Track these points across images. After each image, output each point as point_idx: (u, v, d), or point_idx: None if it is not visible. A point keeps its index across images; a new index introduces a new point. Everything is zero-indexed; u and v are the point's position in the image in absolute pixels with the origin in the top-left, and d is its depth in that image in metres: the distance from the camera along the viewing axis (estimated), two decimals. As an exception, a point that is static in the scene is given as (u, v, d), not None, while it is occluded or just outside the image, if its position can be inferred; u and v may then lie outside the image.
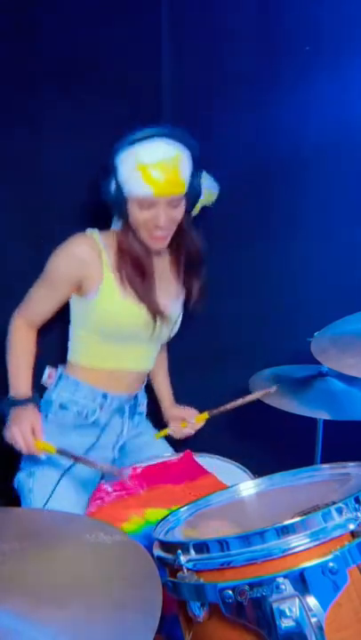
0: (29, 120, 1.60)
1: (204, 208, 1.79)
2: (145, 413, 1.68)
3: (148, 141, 1.28)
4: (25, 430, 1.32)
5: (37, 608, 0.66)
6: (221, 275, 1.84)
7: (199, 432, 1.70)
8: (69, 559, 0.78)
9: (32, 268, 1.61)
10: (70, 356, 1.51)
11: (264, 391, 1.53)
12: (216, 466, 1.56)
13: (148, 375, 1.67)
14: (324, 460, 1.66)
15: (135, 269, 1.38)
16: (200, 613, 0.86)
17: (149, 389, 1.72)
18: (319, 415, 1.53)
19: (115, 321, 1.42)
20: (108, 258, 1.39)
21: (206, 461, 1.58)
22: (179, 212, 1.36)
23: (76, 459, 1.36)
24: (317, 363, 1.38)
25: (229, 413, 1.60)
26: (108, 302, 1.39)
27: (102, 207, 1.51)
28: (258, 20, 1.72)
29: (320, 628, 0.79)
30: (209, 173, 1.76)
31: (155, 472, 1.46)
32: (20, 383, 1.42)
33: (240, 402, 1.53)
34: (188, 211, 1.41)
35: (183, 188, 1.33)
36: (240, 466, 1.56)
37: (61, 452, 1.36)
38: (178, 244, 1.45)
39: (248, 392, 1.63)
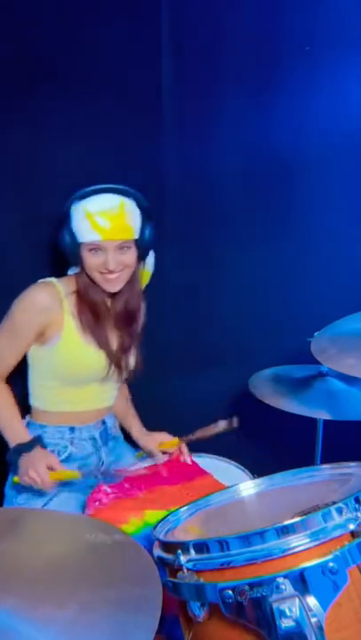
0: (29, 120, 1.60)
1: (204, 208, 1.81)
2: (121, 437, 1.68)
3: (95, 195, 1.37)
4: (41, 471, 1.34)
5: (37, 608, 0.66)
6: (221, 275, 1.85)
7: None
8: (69, 559, 0.78)
9: (32, 268, 1.61)
10: (32, 402, 1.54)
11: (228, 424, 1.54)
12: (216, 466, 1.56)
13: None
14: (324, 460, 1.66)
15: (93, 315, 1.44)
16: (200, 613, 0.86)
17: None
18: (319, 415, 1.53)
19: (74, 365, 1.46)
20: (69, 304, 1.44)
21: (206, 461, 1.59)
22: (128, 257, 1.41)
23: (102, 473, 1.43)
24: (317, 363, 1.38)
25: (229, 413, 1.60)
26: (68, 348, 1.43)
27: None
28: (258, 19, 1.72)
29: (320, 628, 0.79)
30: (209, 173, 1.77)
31: (151, 474, 1.48)
32: (17, 431, 1.44)
33: (208, 432, 1.55)
34: (140, 259, 1.46)
35: (130, 234, 1.39)
36: (240, 466, 1.56)
37: (86, 474, 1.41)
38: (117, 293, 1.48)
39: (248, 392, 1.63)
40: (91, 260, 1.39)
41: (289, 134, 1.79)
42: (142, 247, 1.44)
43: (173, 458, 1.57)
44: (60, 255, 1.47)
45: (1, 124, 1.59)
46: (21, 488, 1.42)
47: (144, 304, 1.58)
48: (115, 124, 1.66)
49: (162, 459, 1.58)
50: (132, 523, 1.28)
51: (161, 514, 1.21)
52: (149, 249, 1.48)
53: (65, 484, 1.43)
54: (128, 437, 1.71)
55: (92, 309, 1.44)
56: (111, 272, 1.39)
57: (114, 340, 1.51)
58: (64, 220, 1.40)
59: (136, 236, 1.41)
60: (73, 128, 1.62)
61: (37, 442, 1.41)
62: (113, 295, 1.48)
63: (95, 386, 1.51)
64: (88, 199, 1.37)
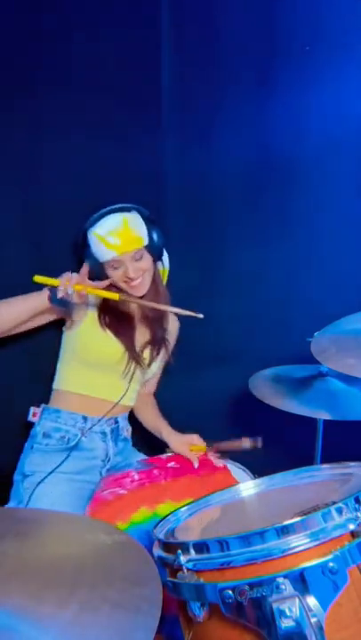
0: (29, 120, 1.60)
1: (204, 208, 1.81)
2: (131, 442, 1.70)
3: (100, 219, 1.51)
4: (73, 276, 1.41)
5: (37, 608, 0.66)
6: (222, 275, 1.85)
7: (199, 432, 1.70)
8: (69, 559, 0.78)
9: (32, 268, 1.61)
10: (54, 385, 1.63)
11: (252, 443, 1.58)
12: (216, 466, 1.56)
13: (134, 412, 1.76)
14: (324, 460, 1.66)
15: (115, 317, 1.59)
16: (200, 613, 0.86)
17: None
18: (319, 415, 1.53)
19: (90, 349, 1.58)
20: (96, 299, 1.58)
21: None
22: (144, 263, 1.55)
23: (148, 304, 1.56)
24: (317, 363, 1.37)
25: (228, 415, 1.61)
26: (88, 334, 1.57)
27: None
28: (258, 19, 1.72)
29: (320, 628, 0.79)
30: (209, 173, 1.77)
31: (179, 464, 1.54)
32: (34, 294, 1.47)
33: (234, 447, 1.58)
34: (155, 260, 1.59)
35: (140, 243, 1.52)
36: (240, 466, 1.56)
37: (124, 298, 1.49)
38: (150, 292, 1.61)
39: (248, 392, 1.63)
40: (114, 274, 1.54)
41: (289, 134, 1.79)
42: (154, 250, 1.56)
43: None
44: (64, 260, 1.51)
45: (1, 124, 1.59)
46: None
47: (173, 323, 1.74)
48: (115, 124, 1.66)
49: (194, 460, 1.59)
50: (142, 512, 1.33)
51: (174, 506, 1.25)
52: (162, 249, 1.60)
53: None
54: (150, 441, 1.73)
55: (114, 314, 1.58)
56: (132, 279, 1.53)
57: (140, 336, 1.63)
58: (83, 247, 1.52)
59: (145, 243, 1.53)
60: (73, 128, 1.62)
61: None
62: (141, 298, 1.59)
63: (112, 376, 1.58)
64: (96, 225, 1.50)
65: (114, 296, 1.46)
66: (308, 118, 1.79)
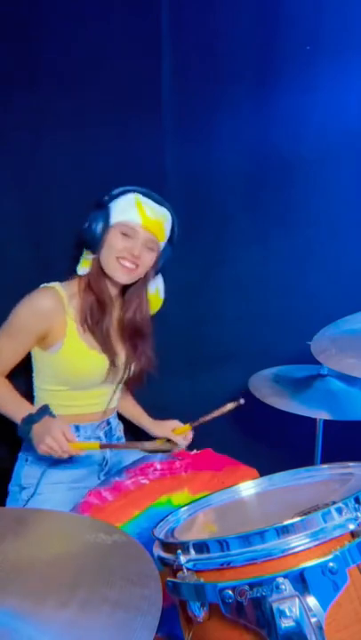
0: (29, 120, 1.60)
1: (204, 207, 1.81)
2: (123, 438, 1.69)
3: (147, 195, 1.47)
4: (58, 437, 1.33)
5: (37, 608, 0.66)
6: (222, 274, 1.85)
7: (199, 432, 1.70)
8: (69, 559, 0.78)
9: (32, 268, 1.61)
10: (35, 404, 1.53)
11: (235, 403, 1.54)
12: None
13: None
14: (325, 460, 1.66)
15: (97, 310, 1.46)
16: (200, 613, 0.86)
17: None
18: (319, 415, 1.53)
19: (78, 371, 1.47)
20: (72, 308, 1.45)
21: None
22: (150, 257, 1.48)
23: (122, 446, 1.50)
24: (317, 363, 1.38)
25: (228, 415, 1.60)
26: (71, 353, 1.44)
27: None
28: (258, 19, 1.72)
29: (320, 628, 0.79)
30: (209, 173, 1.77)
31: (202, 458, 1.54)
32: (23, 406, 1.44)
33: (217, 413, 1.55)
34: (155, 271, 1.54)
35: (162, 237, 1.49)
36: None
37: (104, 446, 1.45)
38: (127, 301, 1.54)
39: (248, 392, 1.63)
40: (118, 242, 1.43)
41: (289, 134, 1.79)
42: (160, 260, 1.52)
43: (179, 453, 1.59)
44: (64, 260, 1.48)
45: (1, 124, 1.59)
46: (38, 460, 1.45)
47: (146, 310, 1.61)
48: (115, 123, 1.66)
49: (182, 443, 1.61)
50: (159, 501, 1.35)
51: (190, 498, 1.30)
52: (162, 264, 1.54)
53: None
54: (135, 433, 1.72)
55: (98, 303, 1.46)
56: (133, 257, 1.43)
57: (119, 346, 1.54)
58: (101, 206, 1.44)
59: (161, 245, 1.50)
60: (73, 128, 1.62)
61: (46, 411, 1.41)
62: (122, 304, 1.53)
63: (100, 389, 1.53)
64: (140, 194, 1.45)
65: (94, 446, 1.42)
66: (308, 118, 1.79)
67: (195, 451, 1.58)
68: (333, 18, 1.74)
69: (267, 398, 1.58)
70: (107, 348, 1.48)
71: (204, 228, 1.81)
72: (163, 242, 1.50)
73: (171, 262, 1.67)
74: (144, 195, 1.46)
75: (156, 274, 1.57)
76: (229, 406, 1.54)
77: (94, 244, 1.44)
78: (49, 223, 1.65)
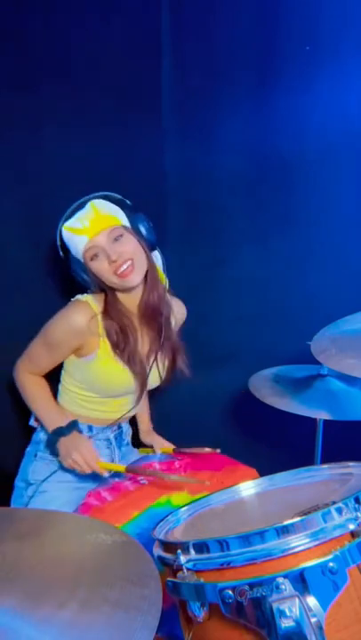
0: (29, 120, 1.60)
1: (204, 207, 1.81)
2: (130, 444, 1.69)
3: (71, 216, 1.41)
4: (87, 455, 1.39)
5: (37, 608, 0.66)
6: (222, 275, 1.85)
7: (199, 432, 1.70)
8: (69, 559, 0.78)
9: (32, 268, 1.61)
10: (59, 399, 1.55)
11: (212, 450, 1.60)
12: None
13: None
14: (325, 460, 1.66)
15: (120, 336, 1.43)
16: (200, 613, 0.86)
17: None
18: (319, 415, 1.53)
19: (109, 383, 1.48)
20: (102, 325, 1.44)
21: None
22: (126, 245, 1.39)
23: (148, 473, 1.47)
24: (317, 363, 1.37)
25: (229, 413, 1.60)
26: (104, 366, 1.45)
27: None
28: (258, 19, 1.72)
29: (320, 628, 0.79)
30: (209, 173, 1.77)
31: (201, 458, 1.55)
32: (55, 416, 1.47)
33: (195, 451, 1.61)
34: (146, 246, 1.44)
35: (113, 221, 1.39)
36: (241, 466, 1.56)
37: (130, 470, 1.43)
38: (143, 291, 1.48)
39: (248, 392, 1.63)
40: (98, 266, 1.39)
41: (289, 134, 1.79)
42: (139, 233, 1.42)
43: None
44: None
45: (1, 124, 1.59)
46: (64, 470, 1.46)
47: (177, 307, 1.60)
48: (115, 123, 1.66)
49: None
50: (158, 501, 1.36)
51: (190, 498, 1.30)
52: (149, 235, 1.44)
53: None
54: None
55: (120, 328, 1.44)
56: (116, 262, 1.37)
57: (145, 346, 1.51)
58: (65, 255, 1.44)
59: (123, 223, 1.40)
60: (73, 128, 1.62)
61: (74, 426, 1.44)
62: (140, 296, 1.48)
63: (126, 399, 1.54)
64: (67, 221, 1.41)
65: (120, 469, 1.42)
66: (308, 118, 1.79)
67: (207, 449, 1.60)
68: (333, 18, 1.74)
69: (267, 398, 1.57)
70: (136, 370, 1.46)
71: (204, 228, 1.81)
72: (120, 221, 1.40)
73: (171, 262, 1.68)
74: (69, 217, 1.41)
75: (153, 246, 1.47)
76: (207, 450, 1.59)
77: (91, 282, 1.44)
78: (49, 223, 1.64)
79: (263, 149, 1.79)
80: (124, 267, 1.38)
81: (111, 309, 1.43)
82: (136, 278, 1.40)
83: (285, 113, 1.77)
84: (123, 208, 1.41)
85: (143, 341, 1.52)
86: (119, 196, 1.44)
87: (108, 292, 1.45)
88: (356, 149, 1.82)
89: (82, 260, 1.41)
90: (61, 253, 1.44)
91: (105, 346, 1.44)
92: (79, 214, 1.39)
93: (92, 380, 1.47)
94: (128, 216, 1.41)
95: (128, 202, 1.45)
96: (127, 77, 1.66)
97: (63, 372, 1.54)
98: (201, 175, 1.77)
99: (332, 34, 1.75)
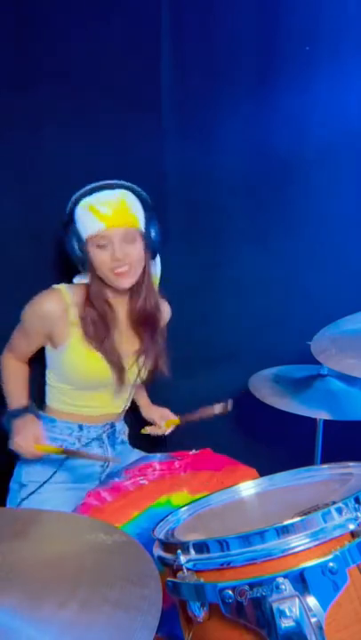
0: (29, 120, 1.60)
1: (204, 207, 1.81)
2: (128, 442, 1.68)
3: (94, 192, 1.39)
4: (27, 437, 1.38)
5: (37, 608, 0.66)
6: (222, 275, 1.85)
7: (199, 432, 1.70)
8: (69, 559, 0.78)
9: (32, 268, 1.61)
10: (46, 398, 1.56)
11: (223, 407, 1.58)
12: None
13: None
14: (325, 460, 1.66)
15: (99, 325, 1.44)
16: (200, 613, 0.86)
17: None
18: (319, 415, 1.53)
19: (81, 373, 1.48)
20: (75, 315, 1.44)
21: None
22: (135, 249, 1.40)
23: (79, 454, 1.44)
24: (317, 363, 1.38)
25: (228, 415, 1.60)
26: (75, 356, 1.45)
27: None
28: (258, 20, 1.72)
29: (320, 628, 0.79)
30: (209, 173, 1.77)
31: (201, 458, 1.53)
32: (15, 398, 1.50)
33: (205, 413, 1.58)
34: (148, 257, 1.46)
35: (135, 222, 1.39)
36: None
37: (67, 452, 1.41)
38: (135, 293, 1.49)
39: (248, 392, 1.63)
40: (99, 256, 1.39)
41: (289, 134, 1.79)
42: (149, 242, 1.44)
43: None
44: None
45: (1, 124, 1.59)
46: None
47: (163, 307, 1.59)
48: (115, 124, 1.66)
49: (163, 428, 1.66)
50: (158, 501, 1.35)
51: (189, 498, 1.30)
52: (157, 245, 1.47)
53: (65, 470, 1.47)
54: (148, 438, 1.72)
55: (99, 318, 1.44)
56: (119, 262, 1.37)
57: (126, 345, 1.51)
58: (68, 225, 1.41)
59: (141, 228, 1.41)
60: (73, 128, 1.62)
61: (29, 410, 1.45)
62: (129, 297, 1.49)
63: (107, 392, 1.53)
64: (89, 196, 1.39)
65: (57, 451, 1.39)
66: (308, 118, 1.79)
67: (193, 451, 1.58)
68: (333, 18, 1.74)
69: (267, 398, 1.58)
70: (113, 361, 1.46)
71: (204, 228, 1.81)
72: (140, 225, 1.41)
73: (171, 262, 1.68)
74: (92, 192, 1.39)
75: (155, 254, 1.49)
76: (217, 409, 1.56)
77: (83, 265, 1.43)
78: (49, 223, 1.65)
79: (263, 149, 1.79)
80: (124, 268, 1.39)
81: (95, 298, 1.44)
82: (129, 282, 1.42)
83: (285, 113, 1.77)
84: (145, 210, 1.43)
85: (130, 340, 1.53)
86: (145, 195, 1.44)
87: (95, 280, 1.44)
88: (357, 149, 1.82)
89: (84, 239, 1.39)
90: (66, 219, 1.42)
91: (77, 335, 1.43)
92: (106, 197, 1.37)
93: (67, 370, 1.48)
94: (146, 219, 1.43)
95: (150, 202, 1.44)
96: (127, 77, 1.66)
97: (46, 370, 1.54)
98: (201, 175, 1.77)
99: (331, 34, 1.75)
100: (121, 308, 1.51)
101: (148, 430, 1.68)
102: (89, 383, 1.50)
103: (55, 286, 1.46)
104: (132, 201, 1.41)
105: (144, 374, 1.56)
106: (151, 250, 1.46)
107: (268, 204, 1.83)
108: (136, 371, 1.53)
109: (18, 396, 1.50)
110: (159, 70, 1.69)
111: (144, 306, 1.49)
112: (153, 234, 1.45)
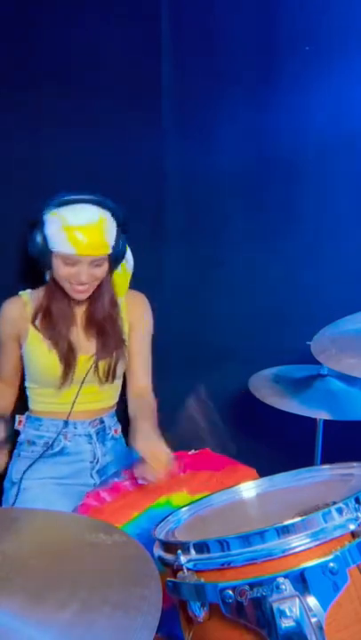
0: (29, 120, 1.60)
1: (204, 207, 1.81)
2: (122, 439, 1.65)
3: (74, 205, 1.38)
4: None
5: (38, 608, 0.66)
6: (221, 274, 1.85)
7: (199, 432, 1.69)
8: (69, 559, 0.78)
9: (32, 269, 1.61)
10: (28, 402, 1.59)
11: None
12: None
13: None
14: (325, 460, 1.66)
15: (45, 317, 1.49)
16: (200, 613, 0.86)
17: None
18: (319, 415, 1.53)
19: (40, 370, 1.52)
20: (31, 310, 1.51)
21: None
22: (101, 271, 1.44)
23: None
24: (317, 363, 1.37)
25: (228, 415, 1.60)
26: (33, 354, 1.51)
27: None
28: (258, 20, 1.72)
29: (320, 628, 0.79)
30: (209, 173, 1.77)
31: (200, 459, 1.52)
32: None
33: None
34: (111, 270, 1.49)
35: (106, 250, 1.41)
36: (241, 466, 1.55)
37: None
38: (93, 298, 1.51)
39: (248, 392, 1.63)
40: (63, 271, 1.42)
41: (289, 134, 1.79)
42: (114, 259, 1.47)
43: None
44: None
45: (1, 124, 1.59)
46: None
47: (135, 301, 1.60)
48: (115, 123, 1.66)
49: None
50: (158, 501, 1.34)
51: (189, 498, 1.29)
52: (121, 259, 1.50)
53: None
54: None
55: (46, 311, 1.49)
56: (82, 284, 1.42)
57: (86, 343, 1.52)
58: (37, 224, 1.41)
59: (110, 252, 1.43)
60: (73, 128, 1.62)
61: None
62: (85, 303, 1.52)
63: (73, 388, 1.52)
64: (66, 208, 1.38)
65: None
66: (308, 118, 1.79)
67: (193, 451, 1.58)
68: (333, 18, 1.74)
69: (267, 398, 1.57)
70: (61, 353, 1.48)
71: (204, 228, 1.81)
72: (110, 249, 1.42)
73: (171, 262, 1.68)
74: (72, 203, 1.38)
75: (119, 263, 1.50)
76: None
77: (42, 265, 1.45)
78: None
79: (263, 149, 1.79)
80: (84, 287, 1.44)
81: (51, 294, 1.48)
82: (85, 296, 1.47)
83: (285, 113, 1.77)
84: (118, 233, 1.44)
85: (86, 340, 1.53)
86: (122, 217, 1.45)
87: (52, 280, 1.47)
88: (357, 149, 1.82)
89: (51, 249, 1.40)
90: (41, 218, 1.41)
91: (33, 329, 1.49)
92: (84, 220, 1.37)
93: (29, 368, 1.53)
94: (116, 234, 1.44)
95: (126, 225, 1.46)
96: (127, 77, 1.66)
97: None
98: (201, 175, 1.77)
99: (332, 34, 1.75)
100: (78, 308, 1.53)
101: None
102: (44, 377, 1.52)
103: (20, 292, 1.54)
104: (108, 227, 1.41)
105: (105, 376, 1.53)
106: (114, 260, 1.47)
107: (268, 204, 1.82)
108: (87, 369, 1.52)
109: None
110: (159, 70, 1.69)
111: (96, 316, 1.51)
112: (121, 246, 1.46)
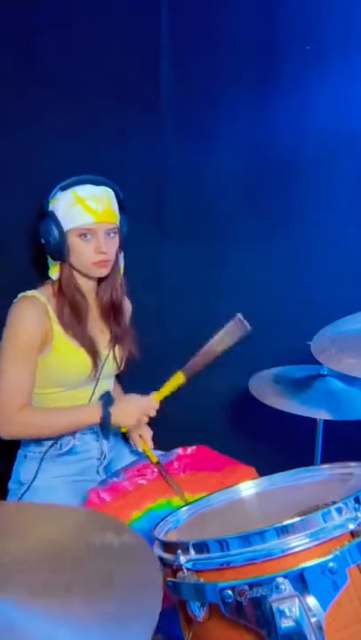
0: (28, 119, 1.60)
1: (204, 207, 1.81)
2: (120, 436, 1.67)
3: (79, 184, 1.43)
4: (145, 406, 1.51)
5: (37, 607, 0.66)
6: (221, 275, 1.85)
7: (198, 431, 1.70)
8: (71, 556, 0.78)
9: (32, 269, 1.61)
10: (35, 404, 1.51)
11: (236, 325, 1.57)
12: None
13: None
14: (324, 460, 1.66)
15: (73, 311, 1.47)
16: (200, 613, 0.86)
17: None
18: (319, 415, 1.53)
19: (69, 370, 1.48)
20: (53, 311, 1.46)
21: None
22: (115, 243, 1.48)
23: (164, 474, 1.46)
24: (317, 363, 1.37)
25: (228, 415, 1.60)
26: (61, 354, 1.45)
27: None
28: (258, 19, 1.72)
29: (320, 628, 0.79)
30: (209, 173, 1.77)
31: (199, 458, 1.52)
32: (82, 409, 1.49)
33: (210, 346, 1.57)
34: (120, 247, 1.52)
35: (116, 220, 1.47)
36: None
37: (158, 465, 1.47)
38: (104, 284, 1.54)
39: (248, 392, 1.63)
40: (82, 247, 1.43)
41: (289, 134, 1.79)
42: (122, 237, 1.51)
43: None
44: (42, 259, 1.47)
45: (1, 124, 1.59)
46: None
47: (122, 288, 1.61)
48: (115, 123, 1.66)
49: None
50: (158, 502, 1.35)
51: (190, 498, 1.29)
52: (124, 241, 1.53)
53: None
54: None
55: (72, 306, 1.47)
56: (105, 254, 1.44)
57: (101, 335, 1.55)
58: (46, 214, 1.43)
59: (118, 224, 1.48)
60: (73, 128, 1.62)
61: (107, 395, 1.50)
62: (98, 286, 1.53)
63: (89, 386, 1.53)
64: (75, 187, 1.42)
65: (153, 458, 1.47)
66: (308, 118, 1.79)
67: (191, 447, 1.58)
68: (333, 18, 1.74)
69: (267, 398, 1.57)
70: (89, 348, 1.48)
71: (204, 228, 1.81)
72: (118, 222, 1.48)
73: (171, 263, 1.68)
74: (79, 183, 1.42)
75: (122, 249, 1.54)
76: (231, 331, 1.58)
77: (60, 255, 1.44)
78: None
79: (263, 149, 1.79)
80: (105, 257, 1.45)
81: (67, 285, 1.47)
82: (105, 272, 1.49)
83: (285, 113, 1.77)
84: (121, 209, 1.49)
85: (103, 330, 1.56)
86: (121, 194, 1.49)
87: (65, 269, 1.47)
88: (357, 149, 1.82)
89: (64, 229, 1.41)
90: (46, 206, 1.43)
91: (58, 330, 1.45)
92: (93, 193, 1.42)
93: (54, 372, 1.46)
94: (121, 217, 1.49)
95: (123, 200, 1.50)
96: (127, 77, 1.66)
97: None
98: (201, 175, 1.77)
99: (332, 34, 1.75)
100: (90, 298, 1.54)
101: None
102: (77, 380, 1.50)
103: (26, 293, 1.46)
104: (113, 197, 1.47)
105: (121, 363, 1.59)
106: (122, 241, 1.52)
107: (268, 204, 1.82)
108: (112, 360, 1.56)
109: (78, 412, 1.47)
110: (159, 70, 1.69)
111: (112, 297, 1.55)
112: (124, 230, 1.51)
